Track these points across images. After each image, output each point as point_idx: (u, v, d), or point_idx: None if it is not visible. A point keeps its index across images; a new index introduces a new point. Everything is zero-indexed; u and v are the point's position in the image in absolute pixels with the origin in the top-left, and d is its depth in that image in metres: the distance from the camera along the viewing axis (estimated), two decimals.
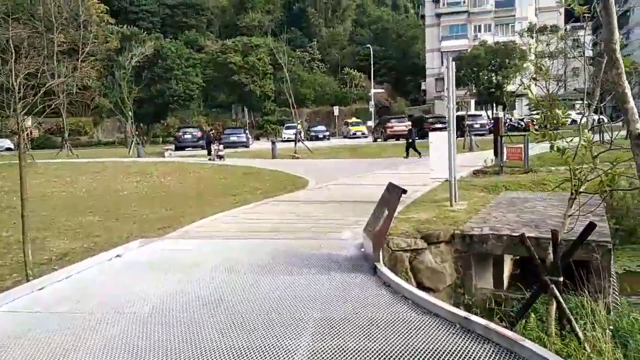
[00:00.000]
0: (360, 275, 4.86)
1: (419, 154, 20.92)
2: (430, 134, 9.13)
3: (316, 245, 6.23)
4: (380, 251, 5.12)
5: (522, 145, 15.05)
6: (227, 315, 3.98)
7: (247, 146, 32.64)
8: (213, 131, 29.75)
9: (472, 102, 56.49)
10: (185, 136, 32.60)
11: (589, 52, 45.51)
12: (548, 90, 39.89)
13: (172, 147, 33.89)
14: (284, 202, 10.23)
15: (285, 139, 41.54)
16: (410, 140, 22.16)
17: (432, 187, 11.76)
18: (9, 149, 39.77)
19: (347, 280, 4.75)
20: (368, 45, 57.34)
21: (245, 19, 76.41)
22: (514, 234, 6.34)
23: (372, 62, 52.61)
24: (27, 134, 43.01)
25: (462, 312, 3.80)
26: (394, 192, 5.11)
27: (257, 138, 47.42)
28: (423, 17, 67.31)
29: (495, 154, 16.29)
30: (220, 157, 24.96)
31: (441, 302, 3.94)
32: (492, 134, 36.30)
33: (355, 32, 79.45)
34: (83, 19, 47.40)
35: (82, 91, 47.11)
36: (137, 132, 52.49)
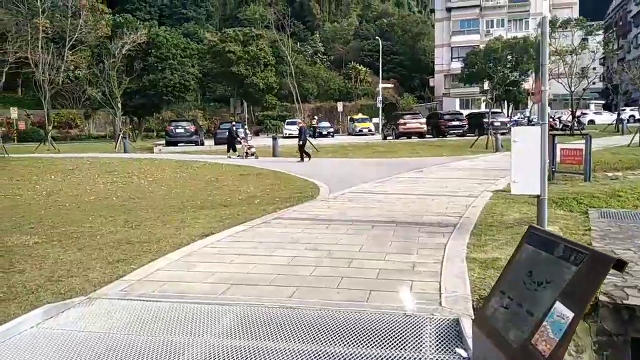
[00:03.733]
0: None
1: (308, 156, 18.99)
2: (513, 129, 6.25)
3: (364, 326, 3.37)
4: None
5: (582, 147, 12.21)
6: None
7: None
8: (234, 123, 26.08)
9: (483, 99, 53.72)
10: (177, 130, 29.55)
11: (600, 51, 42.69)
12: (570, 86, 37.24)
13: (163, 142, 30.99)
14: (291, 220, 7.36)
15: (287, 134, 38.67)
16: (300, 142, 19.28)
17: (486, 200, 8.94)
18: None
19: None
20: (377, 38, 54.38)
21: (246, 12, 73.81)
22: None
23: (380, 55, 49.62)
24: (14, 126, 40.14)
25: None
26: (572, 259, 2.20)
27: (256, 134, 44.52)
28: (433, 10, 64.53)
29: None
30: (252, 154, 21.26)
31: None
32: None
33: (360, 27, 76.70)
34: (73, 7, 44.30)
35: (71, 81, 44.17)
36: (130, 126, 49.68)
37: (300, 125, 20.91)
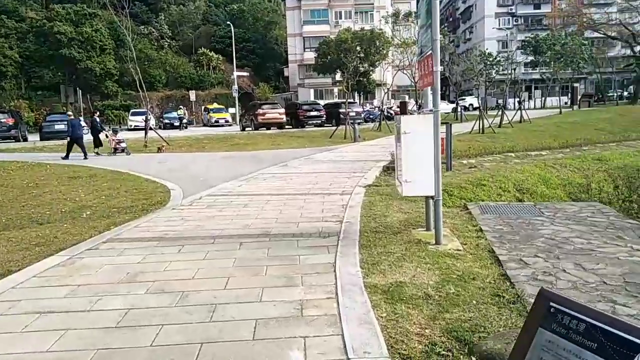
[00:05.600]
0: None
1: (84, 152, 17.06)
2: (403, 118, 5.27)
3: None
4: None
5: (443, 135, 12.14)
6: None
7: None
8: (97, 114, 21.20)
9: (336, 90, 54.99)
10: None
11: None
12: (414, 77, 39.55)
13: None
14: (129, 243, 5.57)
15: (132, 127, 34.98)
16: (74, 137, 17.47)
17: (361, 197, 8.08)
18: None
19: None
20: (228, 23, 51.97)
21: None
22: None
23: (233, 42, 47.49)
24: None
25: None
26: None
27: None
28: None
29: None
30: (123, 150, 17.87)
31: None
32: (367, 122, 34.47)
33: (209, 11, 73.16)
34: None
35: None
36: None
37: (70, 118, 18.27)
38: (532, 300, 3.46)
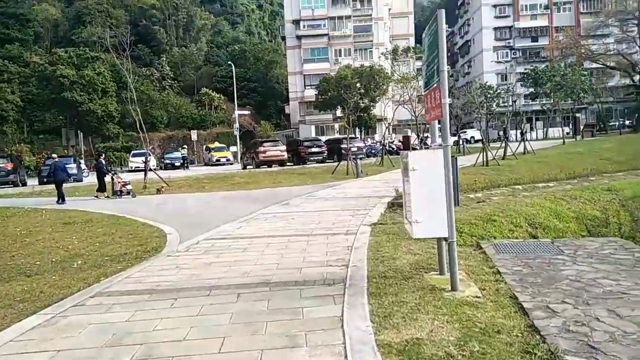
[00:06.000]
0: None
1: (62, 198, 16.68)
2: (410, 154, 4.92)
3: None
4: None
5: None
6: None
7: (79, 180, 25.46)
8: (102, 156, 20.42)
9: (337, 126, 55.19)
10: None
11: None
12: (415, 111, 39.62)
13: None
14: (118, 297, 5.14)
15: (133, 168, 34.94)
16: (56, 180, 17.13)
17: (367, 236, 7.67)
18: None
19: None
20: (230, 63, 52.68)
21: (82, 33, 66.66)
22: None
23: (234, 81, 47.99)
24: None
25: None
26: None
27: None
28: (284, 38, 65.23)
29: None
30: (128, 192, 17.54)
31: None
32: (369, 157, 34.32)
33: (211, 52, 74.58)
34: None
35: None
36: None
37: (55, 161, 17.94)
38: (568, 358, 3.02)
